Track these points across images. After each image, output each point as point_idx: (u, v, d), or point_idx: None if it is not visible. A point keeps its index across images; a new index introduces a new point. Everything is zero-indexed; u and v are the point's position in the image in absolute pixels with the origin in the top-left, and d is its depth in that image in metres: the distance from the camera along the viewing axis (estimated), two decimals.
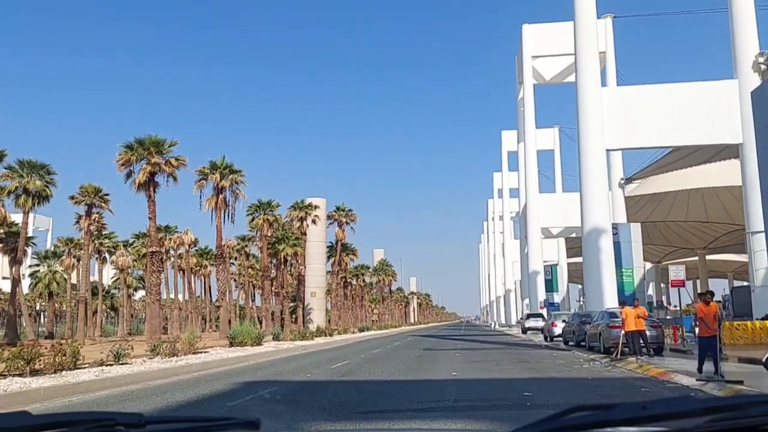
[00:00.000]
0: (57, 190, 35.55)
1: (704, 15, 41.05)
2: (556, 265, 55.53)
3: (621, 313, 18.07)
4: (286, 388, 11.84)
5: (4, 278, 63.45)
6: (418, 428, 3.36)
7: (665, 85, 29.44)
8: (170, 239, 52.57)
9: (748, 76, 26.89)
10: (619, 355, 17.30)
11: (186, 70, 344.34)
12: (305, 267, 51.41)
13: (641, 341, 17.44)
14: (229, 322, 41.67)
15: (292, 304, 54.28)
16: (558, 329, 30.00)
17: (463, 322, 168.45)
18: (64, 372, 12.93)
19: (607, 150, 29.92)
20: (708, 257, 58.68)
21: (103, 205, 37.86)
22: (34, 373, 12.48)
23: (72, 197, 36.76)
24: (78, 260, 46.08)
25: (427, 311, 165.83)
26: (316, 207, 50.56)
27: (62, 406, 9.79)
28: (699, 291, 44.90)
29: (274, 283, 51.73)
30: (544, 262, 55.19)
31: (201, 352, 20.37)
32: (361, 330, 52.79)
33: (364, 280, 79.99)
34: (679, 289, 24.01)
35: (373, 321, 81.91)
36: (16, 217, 39.99)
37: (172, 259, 56.18)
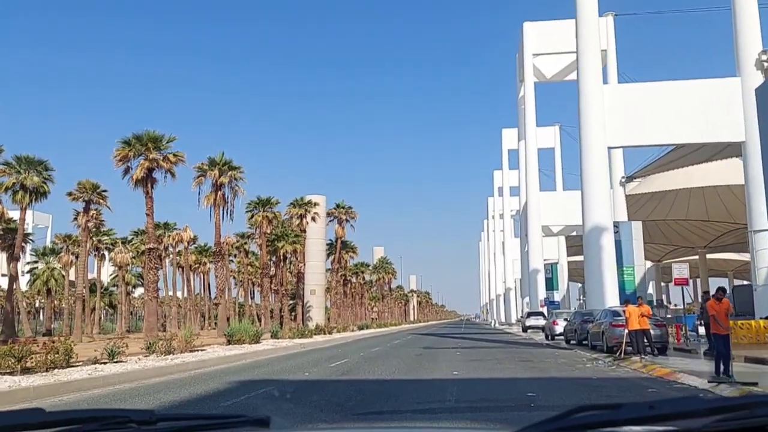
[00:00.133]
0: (57, 187, 35.34)
1: (705, 13, 40.81)
2: (557, 263, 55.34)
3: (625, 311, 17.83)
4: (282, 388, 11.62)
5: (2, 275, 63.24)
6: (419, 429, 3.20)
7: (667, 82, 29.24)
8: (169, 236, 52.35)
9: (751, 74, 26.71)
10: (622, 355, 17.08)
11: (185, 68, 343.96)
12: (305, 264, 51.21)
13: (645, 340, 17.19)
14: (228, 319, 41.44)
15: (291, 302, 54.06)
16: (559, 328, 29.82)
17: (462, 320, 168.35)
18: (56, 370, 12.71)
19: (609, 147, 29.73)
20: (708, 256, 58.49)
21: (101, 201, 37.63)
22: (26, 371, 12.26)
23: (70, 193, 36.53)
24: (76, 257, 45.84)
25: (426, 309, 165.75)
26: (315, 204, 50.33)
27: (52, 406, 9.55)
28: (702, 290, 44.71)
29: (274, 281, 51.53)
30: (545, 260, 55.02)
31: (198, 350, 20.16)
32: (361, 328, 52.60)
33: (363, 278, 79.81)
34: (683, 288, 23.79)
35: (372, 319, 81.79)
36: (15, 214, 39.73)
37: (171, 256, 55.95)
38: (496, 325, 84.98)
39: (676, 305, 55.45)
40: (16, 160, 33.58)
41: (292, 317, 50.86)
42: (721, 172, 37.45)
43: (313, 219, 49.58)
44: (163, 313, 58.43)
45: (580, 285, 70.35)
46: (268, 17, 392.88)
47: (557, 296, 52.70)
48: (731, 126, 26.97)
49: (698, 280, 59.05)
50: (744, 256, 59.06)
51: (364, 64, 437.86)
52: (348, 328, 49.96)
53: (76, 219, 39.11)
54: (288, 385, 12.07)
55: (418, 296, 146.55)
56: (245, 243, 59.79)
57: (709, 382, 10.98)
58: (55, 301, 58.95)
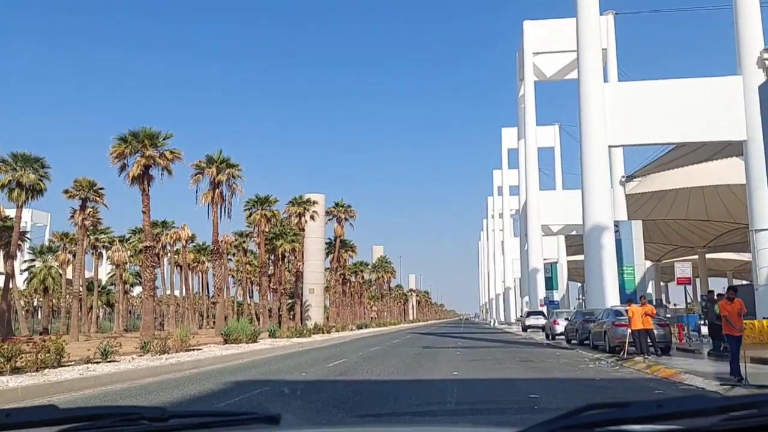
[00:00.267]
0: (57, 185, 35.11)
1: (705, 12, 40.61)
2: (556, 262, 55.15)
3: (627, 311, 17.59)
4: (278, 388, 11.38)
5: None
6: (425, 428, 3.05)
7: (668, 81, 29.06)
8: (167, 235, 52.06)
9: (752, 73, 26.52)
10: (625, 355, 16.84)
11: (185, 67, 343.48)
12: (303, 263, 50.98)
13: (648, 340, 16.94)
14: (226, 318, 41.18)
15: (290, 301, 53.81)
16: (560, 327, 29.61)
17: (462, 319, 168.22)
18: (46, 370, 12.45)
19: (609, 146, 29.55)
20: (707, 256, 58.32)
21: (97, 199, 37.35)
22: (15, 371, 11.99)
23: (66, 191, 36.28)
24: (73, 255, 45.58)
25: (426, 309, 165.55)
26: (314, 203, 50.08)
27: None
28: (701, 290, 44.46)
29: (272, 280, 51.28)
30: (544, 259, 54.85)
31: (193, 350, 19.90)
32: (360, 327, 52.38)
33: (363, 277, 79.57)
34: (685, 287, 23.58)
35: (371, 318, 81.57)
36: (13, 212, 39.44)
37: (169, 255, 55.67)
38: (496, 324, 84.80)
39: (675, 305, 55.35)
40: (12, 158, 33.29)
41: (291, 316, 50.60)
42: (721, 172, 37.28)
43: (312, 218, 49.32)
44: (161, 312, 58.21)
45: (579, 284, 70.23)
46: (268, 17, 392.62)
47: (557, 296, 52.50)
48: (732, 124, 26.78)
49: (698, 280, 58.85)
50: (743, 256, 58.90)
51: (364, 64, 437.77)
52: (347, 327, 49.71)
53: (72, 217, 38.84)
54: (284, 386, 11.83)
55: (417, 295, 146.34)
56: (244, 242, 59.51)
57: (722, 384, 10.60)
58: (53, 300, 58.63)
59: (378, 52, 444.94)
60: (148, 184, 29.62)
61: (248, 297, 69.78)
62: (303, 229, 49.26)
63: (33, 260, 52.55)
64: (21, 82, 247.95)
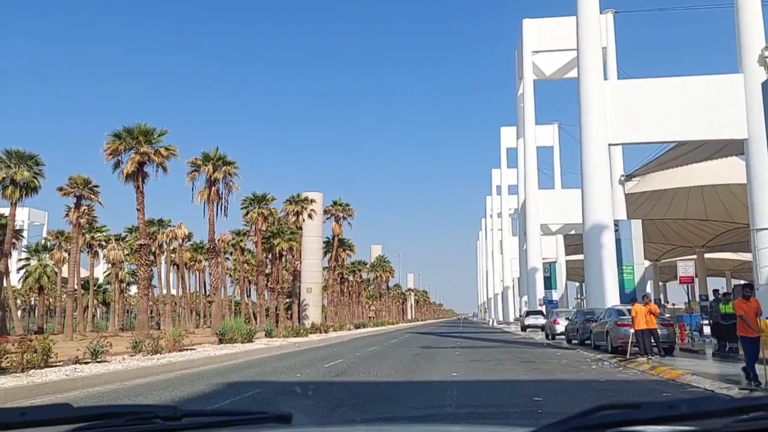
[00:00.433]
0: (53, 184, 34.70)
1: (706, 10, 40.37)
2: (555, 262, 54.91)
3: (630, 310, 17.27)
4: (271, 390, 11.05)
5: None
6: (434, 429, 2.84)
7: (668, 79, 28.81)
8: (163, 233, 51.64)
9: (753, 71, 26.29)
10: (628, 355, 16.52)
11: (185, 67, 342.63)
12: (301, 262, 50.62)
13: (652, 340, 16.62)
14: (223, 317, 40.82)
15: (287, 300, 53.44)
16: (560, 327, 29.35)
17: (460, 319, 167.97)
18: (32, 371, 12.09)
19: (609, 144, 29.25)
20: (706, 255, 58.08)
21: (92, 197, 36.94)
22: (0, 371, 11.60)
23: (60, 189, 35.85)
24: (69, 254, 45.14)
25: (424, 308, 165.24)
26: (312, 201, 49.73)
27: None
28: (699, 290, 44.17)
29: (270, 279, 50.94)
30: (543, 259, 54.58)
31: (187, 350, 19.54)
32: (358, 327, 52.04)
33: (361, 276, 79.23)
34: (687, 286, 23.28)
35: (369, 317, 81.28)
36: (7, 210, 39.01)
37: (166, 253, 55.25)
38: (494, 324, 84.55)
39: (674, 304, 55.12)
40: (6, 155, 32.86)
41: (288, 315, 50.25)
42: (721, 171, 37.02)
43: (310, 216, 48.97)
44: (157, 311, 57.80)
45: (577, 284, 69.99)
46: (268, 17, 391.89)
47: (555, 295, 52.25)
48: (733, 123, 26.52)
49: (697, 280, 58.61)
50: (742, 256, 58.65)
51: (364, 64, 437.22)
52: (344, 326, 49.36)
53: (68, 215, 38.42)
54: (278, 387, 11.51)
55: (415, 295, 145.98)
56: (241, 240, 59.14)
57: (740, 389, 10.10)
58: (49, 299, 58.20)
59: (378, 52, 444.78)
60: (143, 182, 29.25)
61: (245, 296, 69.41)
62: (301, 228, 48.91)
63: (28, 259, 52.15)
64: (21, 82, 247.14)
